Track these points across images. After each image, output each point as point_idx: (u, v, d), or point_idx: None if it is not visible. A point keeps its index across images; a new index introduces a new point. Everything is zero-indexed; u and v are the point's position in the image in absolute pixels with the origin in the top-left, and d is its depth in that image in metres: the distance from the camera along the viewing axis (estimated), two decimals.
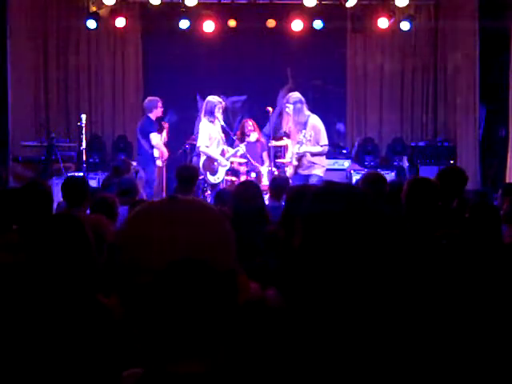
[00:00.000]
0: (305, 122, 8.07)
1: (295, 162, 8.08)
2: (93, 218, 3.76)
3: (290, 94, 8.43)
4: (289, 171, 8.31)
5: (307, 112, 8.19)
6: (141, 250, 1.58)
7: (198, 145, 8.58)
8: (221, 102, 8.66)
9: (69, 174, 8.39)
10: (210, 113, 8.51)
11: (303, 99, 8.20)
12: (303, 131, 8.00)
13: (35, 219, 3.58)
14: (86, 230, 2.42)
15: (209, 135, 8.50)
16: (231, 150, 8.83)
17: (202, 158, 8.55)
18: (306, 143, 7.93)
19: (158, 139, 8.89)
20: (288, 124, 8.37)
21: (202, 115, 8.59)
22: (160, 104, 9.09)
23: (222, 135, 8.71)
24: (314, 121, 8.12)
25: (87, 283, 2.36)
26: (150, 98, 9.26)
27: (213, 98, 8.65)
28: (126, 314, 1.67)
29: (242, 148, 8.92)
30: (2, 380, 2.18)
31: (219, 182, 8.57)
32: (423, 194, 3.96)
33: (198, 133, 8.67)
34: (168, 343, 1.40)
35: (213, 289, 1.43)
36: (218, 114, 8.58)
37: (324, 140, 8.11)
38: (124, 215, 5.28)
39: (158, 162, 8.99)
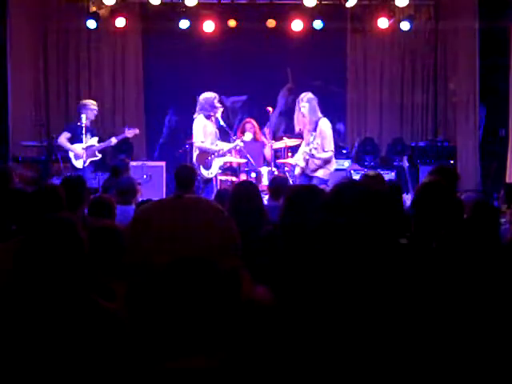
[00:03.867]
0: (315, 122, 8.04)
1: (302, 163, 8.10)
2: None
3: (304, 94, 8.33)
4: (297, 171, 8.32)
5: (320, 114, 8.15)
6: (147, 247, 1.57)
7: (193, 141, 8.61)
8: (216, 97, 8.65)
9: (68, 174, 8.40)
10: (209, 107, 8.53)
11: (316, 99, 8.16)
12: (313, 134, 7.98)
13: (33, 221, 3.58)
14: (78, 231, 2.42)
15: (204, 131, 8.52)
16: (229, 145, 8.85)
17: (196, 153, 8.60)
18: (311, 150, 7.92)
19: (62, 138, 9.04)
20: (300, 124, 8.29)
21: (198, 110, 8.59)
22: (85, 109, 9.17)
23: (217, 131, 8.74)
24: (323, 125, 8.06)
25: (83, 285, 2.35)
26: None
27: (209, 94, 8.65)
28: (130, 311, 1.66)
29: (239, 143, 8.92)
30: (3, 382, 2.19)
31: (212, 177, 8.56)
32: (435, 200, 3.86)
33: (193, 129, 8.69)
34: (170, 339, 1.40)
35: (216, 287, 1.43)
36: (217, 110, 8.60)
37: (329, 146, 8.03)
38: (123, 215, 5.29)
39: (77, 163, 9.03)
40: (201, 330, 1.46)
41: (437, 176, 4.97)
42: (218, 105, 8.61)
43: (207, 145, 8.52)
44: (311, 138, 7.97)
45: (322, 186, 5.50)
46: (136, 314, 2.16)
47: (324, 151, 8.01)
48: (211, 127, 8.61)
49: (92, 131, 9.19)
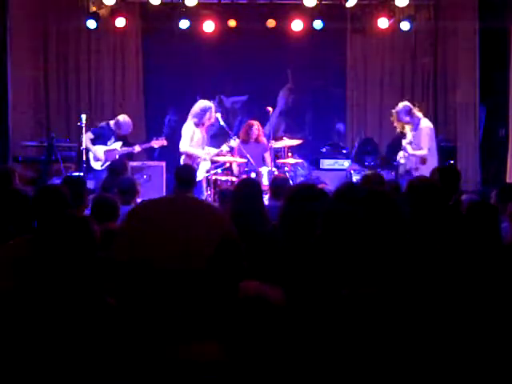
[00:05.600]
0: (417, 122, 8.65)
1: (402, 161, 8.70)
2: None
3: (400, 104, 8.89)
4: (401, 169, 8.83)
5: (420, 115, 8.73)
6: (140, 245, 1.57)
7: (179, 146, 8.81)
8: (211, 107, 8.88)
9: (67, 174, 8.41)
10: (200, 116, 8.74)
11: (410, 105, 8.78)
12: (412, 133, 8.59)
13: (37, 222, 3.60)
14: (91, 229, 2.44)
15: (191, 137, 8.75)
16: (214, 150, 9.04)
17: (182, 157, 8.78)
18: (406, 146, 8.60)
19: (85, 137, 9.14)
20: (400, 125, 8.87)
21: (190, 117, 8.81)
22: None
23: (205, 137, 8.90)
24: (422, 125, 8.66)
25: (94, 283, 2.36)
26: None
27: (205, 103, 8.89)
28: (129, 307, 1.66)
29: (224, 147, 9.10)
30: (9, 379, 2.19)
31: (200, 180, 8.70)
32: (428, 195, 3.91)
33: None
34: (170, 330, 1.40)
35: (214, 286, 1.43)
36: (210, 119, 8.81)
37: (424, 144, 8.53)
38: (124, 215, 5.29)
39: (94, 164, 9.14)
40: (201, 329, 1.47)
41: (433, 175, 4.98)
42: (213, 115, 8.79)
43: (192, 149, 8.72)
44: (409, 137, 8.63)
45: (321, 185, 5.50)
46: (137, 311, 2.16)
47: (420, 150, 8.53)
48: (199, 134, 8.80)
49: (118, 136, 9.37)
